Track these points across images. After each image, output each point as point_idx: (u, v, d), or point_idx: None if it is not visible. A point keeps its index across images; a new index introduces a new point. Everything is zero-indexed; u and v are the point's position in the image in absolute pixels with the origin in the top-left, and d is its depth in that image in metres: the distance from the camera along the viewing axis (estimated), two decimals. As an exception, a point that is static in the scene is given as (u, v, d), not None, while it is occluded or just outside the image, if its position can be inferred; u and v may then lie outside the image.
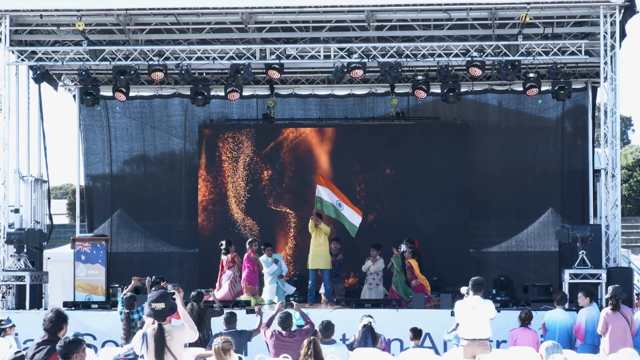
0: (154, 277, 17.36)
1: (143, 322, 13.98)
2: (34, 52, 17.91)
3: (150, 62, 17.70)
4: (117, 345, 14.52)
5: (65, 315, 8.32)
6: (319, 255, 17.94)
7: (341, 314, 15.68)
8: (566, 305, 15.09)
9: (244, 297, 17.51)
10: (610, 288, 13.81)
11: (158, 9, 17.08)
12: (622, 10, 16.45)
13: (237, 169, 20.87)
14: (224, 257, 17.91)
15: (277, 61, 17.81)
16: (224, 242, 18.00)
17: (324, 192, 18.00)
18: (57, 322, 8.22)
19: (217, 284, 17.87)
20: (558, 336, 13.90)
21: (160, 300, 8.91)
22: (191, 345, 13.03)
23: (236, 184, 20.87)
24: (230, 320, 12.56)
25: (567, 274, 15.99)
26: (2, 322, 13.66)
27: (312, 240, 18.06)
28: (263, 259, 17.94)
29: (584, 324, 14.12)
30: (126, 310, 14.29)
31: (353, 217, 18.07)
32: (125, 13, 17.14)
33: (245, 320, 13.26)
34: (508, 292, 17.54)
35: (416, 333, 12.83)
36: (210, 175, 21.01)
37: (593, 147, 20.04)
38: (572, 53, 17.16)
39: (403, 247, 18.06)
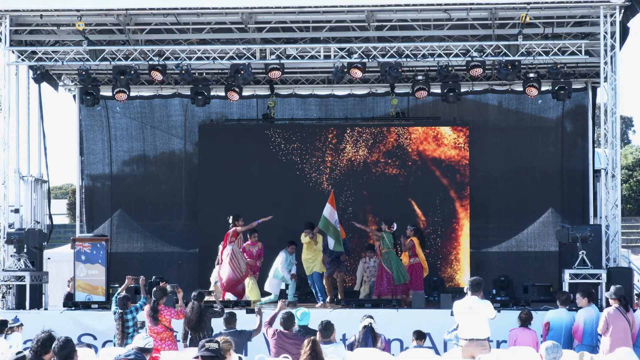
0: (153, 277, 17.40)
1: (137, 323, 14.03)
2: (34, 52, 17.91)
3: (150, 62, 17.70)
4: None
5: (54, 340, 8.12)
6: (312, 262, 17.79)
7: (341, 314, 15.68)
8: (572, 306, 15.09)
9: (247, 291, 17.43)
10: (612, 288, 13.60)
11: (158, 9, 17.09)
12: (623, 10, 16.45)
13: (237, 169, 20.85)
14: (229, 231, 17.42)
15: (277, 61, 17.81)
16: (230, 217, 17.49)
17: (328, 210, 17.64)
18: (46, 345, 8.03)
19: (219, 258, 17.55)
20: (563, 335, 13.90)
21: (213, 341, 8.60)
22: (191, 345, 13.09)
23: (236, 184, 20.84)
24: (230, 320, 12.56)
25: (567, 274, 15.99)
26: (11, 322, 13.76)
27: (304, 251, 17.81)
28: (285, 257, 17.93)
29: (582, 324, 14.09)
30: (120, 310, 14.20)
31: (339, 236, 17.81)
32: (125, 13, 17.15)
33: (245, 321, 13.26)
34: (508, 292, 17.51)
35: (420, 335, 12.86)
36: (210, 175, 21.00)
37: (593, 147, 20.04)
38: (572, 53, 17.16)
39: (395, 226, 17.58)
